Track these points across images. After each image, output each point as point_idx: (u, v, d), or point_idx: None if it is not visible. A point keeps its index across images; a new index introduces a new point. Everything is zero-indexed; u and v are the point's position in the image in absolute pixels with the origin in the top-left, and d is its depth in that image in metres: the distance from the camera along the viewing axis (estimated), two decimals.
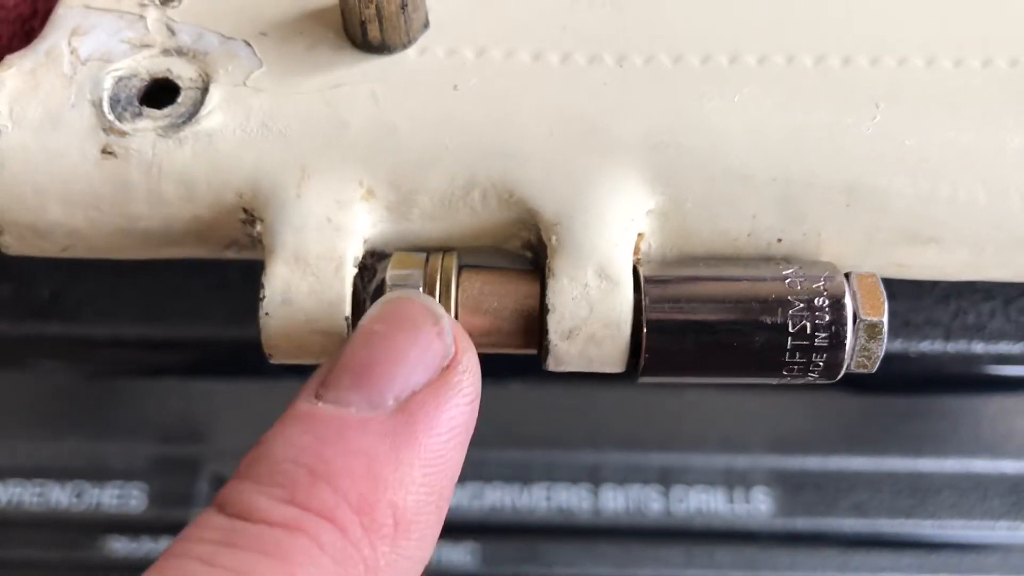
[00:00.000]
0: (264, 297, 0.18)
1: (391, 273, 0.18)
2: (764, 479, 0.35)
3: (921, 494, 0.34)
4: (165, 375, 0.35)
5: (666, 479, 0.35)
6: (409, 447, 0.15)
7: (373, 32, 0.19)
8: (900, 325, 0.33)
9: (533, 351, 0.20)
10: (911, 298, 0.31)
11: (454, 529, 0.33)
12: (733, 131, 0.19)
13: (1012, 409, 0.35)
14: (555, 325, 0.19)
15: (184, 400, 0.35)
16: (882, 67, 0.20)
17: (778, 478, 0.35)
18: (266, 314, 0.18)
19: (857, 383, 0.34)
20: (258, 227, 0.19)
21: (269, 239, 0.19)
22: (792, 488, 0.35)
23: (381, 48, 0.20)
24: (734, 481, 0.35)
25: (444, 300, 0.19)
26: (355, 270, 0.19)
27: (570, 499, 0.34)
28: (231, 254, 0.20)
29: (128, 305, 0.32)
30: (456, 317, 0.19)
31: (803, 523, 0.34)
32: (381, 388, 0.16)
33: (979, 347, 0.32)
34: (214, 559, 0.14)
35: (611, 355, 0.19)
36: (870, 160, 0.19)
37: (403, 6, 0.19)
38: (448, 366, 0.17)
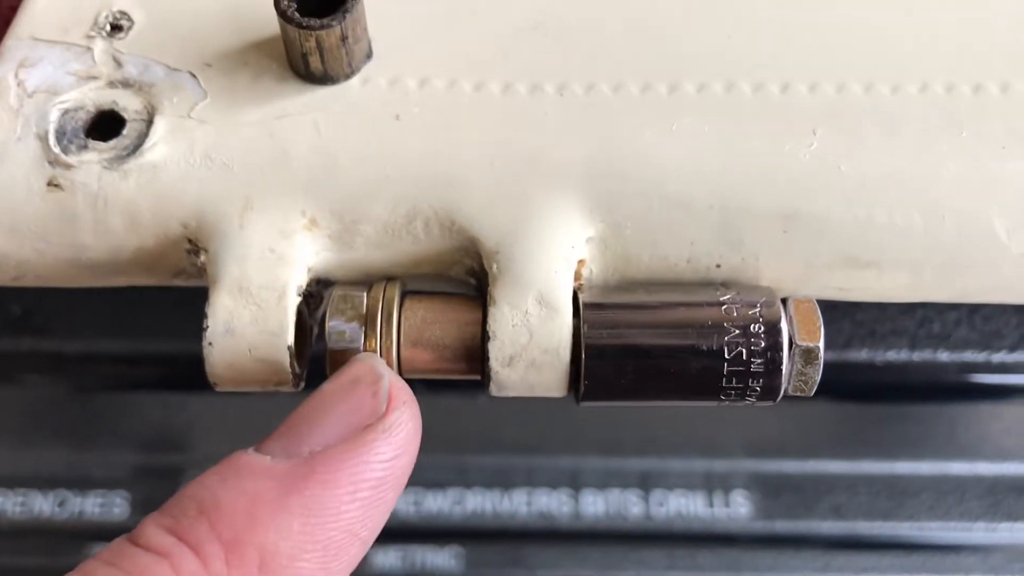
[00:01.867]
0: (207, 327, 0.19)
1: (331, 309, 0.19)
2: (743, 482, 0.35)
3: (899, 496, 0.35)
4: (142, 388, 0.35)
5: (646, 483, 0.35)
6: (298, 495, 0.16)
7: (315, 64, 0.20)
8: (866, 335, 0.33)
9: (477, 377, 0.20)
10: (877, 308, 0.31)
11: (437, 534, 0.33)
12: (671, 159, 0.19)
13: (984, 414, 0.35)
14: (496, 352, 0.19)
15: (163, 411, 0.35)
16: (820, 93, 0.20)
17: (757, 481, 0.35)
18: (209, 344, 0.19)
19: (830, 391, 0.34)
20: (202, 257, 0.19)
21: (213, 269, 0.19)
22: (771, 491, 0.35)
23: (324, 79, 0.20)
24: (713, 485, 0.35)
25: (385, 330, 0.19)
26: (298, 299, 0.19)
27: (551, 504, 0.34)
28: (179, 282, 0.20)
29: (99, 320, 0.32)
30: (398, 347, 0.19)
31: (783, 526, 0.34)
32: (300, 440, 0.17)
33: (944, 356, 0.32)
34: (94, 574, 0.15)
35: (551, 381, 0.19)
36: (807, 187, 0.19)
37: (343, 38, 0.19)
38: (369, 425, 0.17)
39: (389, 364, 0.19)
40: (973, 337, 0.33)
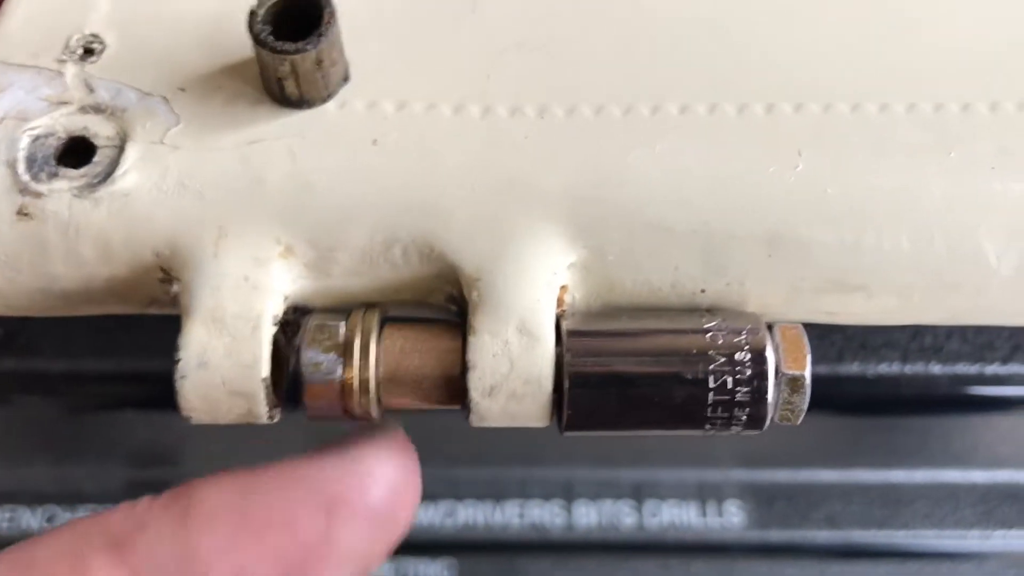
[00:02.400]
0: (180, 359, 0.18)
1: (307, 339, 0.18)
2: (736, 492, 0.35)
3: (894, 505, 0.34)
4: (129, 407, 0.35)
5: (639, 493, 0.35)
6: None
7: (290, 88, 0.19)
8: (857, 348, 0.33)
9: (457, 407, 0.19)
10: None
11: (429, 547, 0.33)
12: (654, 183, 0.19)
13: (978, 424, 0.35)
14: (476, 383, 0.19)
15: (151, 428, 0.35)
16: (806, 114, 0.20)
17: (750, 491, 0.35)
18: (182, 377, 0.18)
19: (823, 404, 0.34)
20: (175, 286, 0.19)
21: (186, 299, 0.19)
22: (764, 500, 0.35)
23: (299, 103, 0.20)
24: (707, 494, 0.35)
25: (363, 361, 0.18)
26: (274, 328, 0.19)
27: (543, 515, 0.34)
28: (153, 311, 0.20)
29: (84, 340, 0.32)
30: (376, 378, 0.19)
31: (776, 535, 0.34)
32: None
33: (937, 368, 0.32)
34: None
35: (533, 411, 0.19)
36: (792, 210, 0.19)
37: (319, 62, 0.19)
38: None
39: (366, 395, 0.19)
40: (965, 350, 0.32)
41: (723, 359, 0.18)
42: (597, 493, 0.35)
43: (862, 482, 0.34)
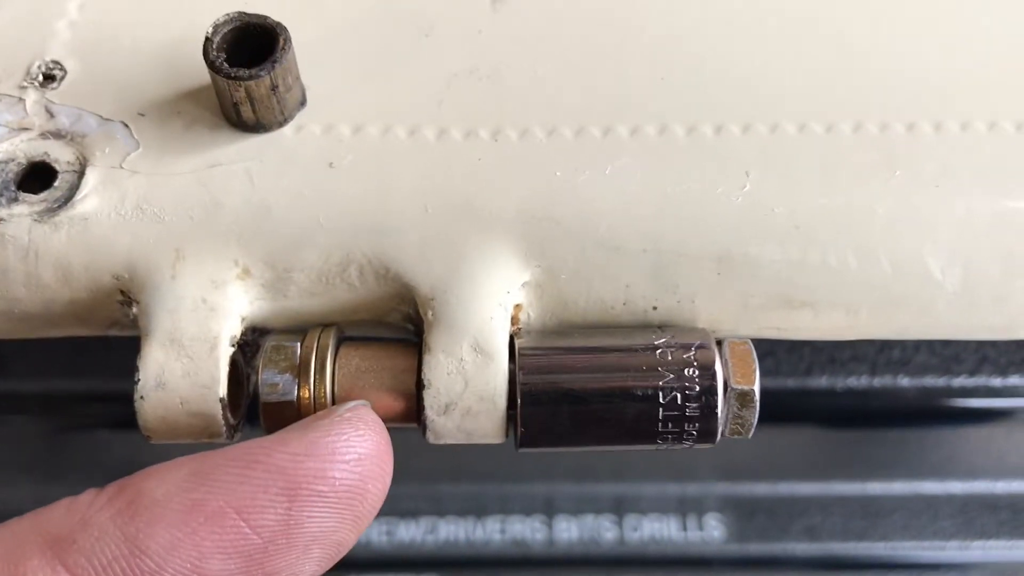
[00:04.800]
0: (138, 380, 0.18)
1: (263, 360, 0.19)
2: (716, 505, 0.35)
3: (872, 517, 0.35)
4: (104, 426, 0.35)
5: (619, 508, 0.35)
6: None
7: (246, 113, 0.19)
8: (826, 361, 0.33)
9: (414, 425, 0.20)
10: None
11: (411, 563, 0.33)
12: (604, 203, 0.19)
13: (951, 436, 0.35)
14: (431, 401, 0.19)
15: (132, 446, 0.35)
16: (754, 134, 0.20)
17: (730, 504, 0.35)
18: (141, 398, 0.18)
19: (794, 417, 0.34)
20: (135, 309, 0.19)
21: (144, 321, 0.19)
22: (745, 514, 0.35)
23: (256, 127, 0.20)
24: (687, 508, 0.35)
25: (319, 381, 0.19)
26: (232, 349, 0.19)
27: (524, 531, 0.34)
28: (114, 332, 0.20)
29: (57, 360, 0.32)
30: (332, 397, 0.19)
31: (757, 548, 0.34)
32: None
33: (905, 381, 0.32)
34: None
35: (488, 428, 0.19)
36: (739, 229, 0.19)
37: (273, 88, 0.19)
38: None
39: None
40: (933, 362, 0.33)
41: (672, 375, 0.19)
42: (578, 508, 0.35)
43: (841, 494, 0.35)
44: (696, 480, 0.35)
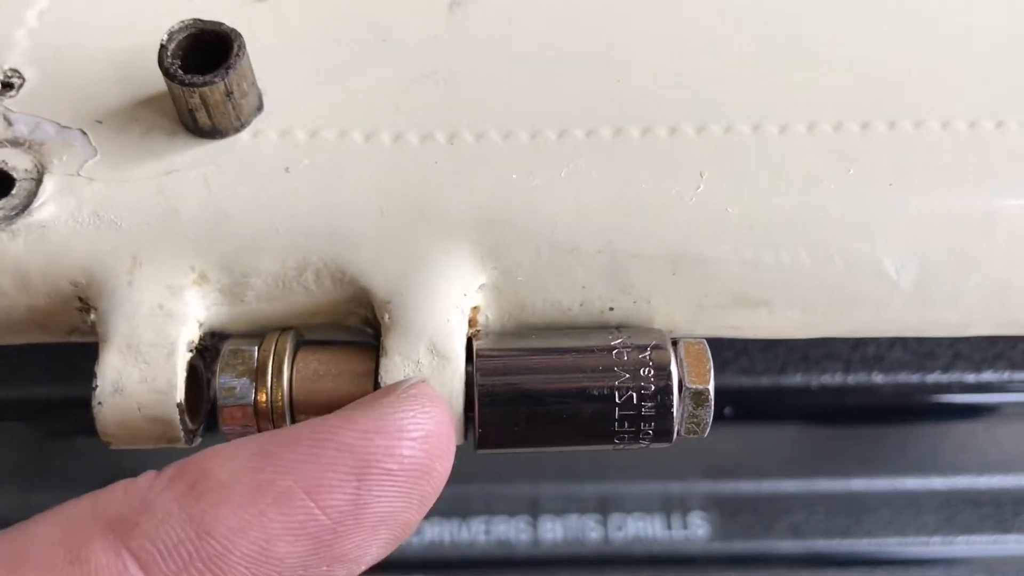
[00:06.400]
0: (96, 387, 0.19)
1: (221, 364, 0.19)
2: (700, 504, 0.35)
3: (856, 513, 0.35)
4: (86, 433, 0.35)
5: (604, 507, 0.35)
6: None
7: (202, 119, 0.20)
8: (799, 359, 0.33)
9: None
10: None
11: (396, 566, 0.33)
12: (559, 205, 0.20)
13: (931, 432, 0.35)
14: None
15: (113, 452, 0.35)
16: (708, 135, 0.20)
17: (714, 502, 0.35)
18: (99, 404, 0.19)
19: (771, 415, 0.34)
20: (93, 315, 0.19)
21: (102, 327, 0.19)
22: (729, 512, 0.35)
23: (213, 133, 0.20)
24: (671, 507, 0.35)
25: (276, 385, 0.19)
26: (189, 355, 0.19)
27: (509, 531, 0.34)
28: (75, 339, 0.20)
29: (38, 366, 0.32)
30: (289, 401, 0.19)
31: (741, 546, 0.34)
32: None
33: (879, 378, 0.33)
34: None
35: None
36: (694, 230, 0.20)
37: (228, 94, 0.19)
38: None
39: (279, 417, 0.19)
40: (907, 359, 0.33)
41: (628, 375, 0.19)
42: (562, 508, 0.35)
43: (825, 491, 0.35)
44: (680, 479, 0.35)
